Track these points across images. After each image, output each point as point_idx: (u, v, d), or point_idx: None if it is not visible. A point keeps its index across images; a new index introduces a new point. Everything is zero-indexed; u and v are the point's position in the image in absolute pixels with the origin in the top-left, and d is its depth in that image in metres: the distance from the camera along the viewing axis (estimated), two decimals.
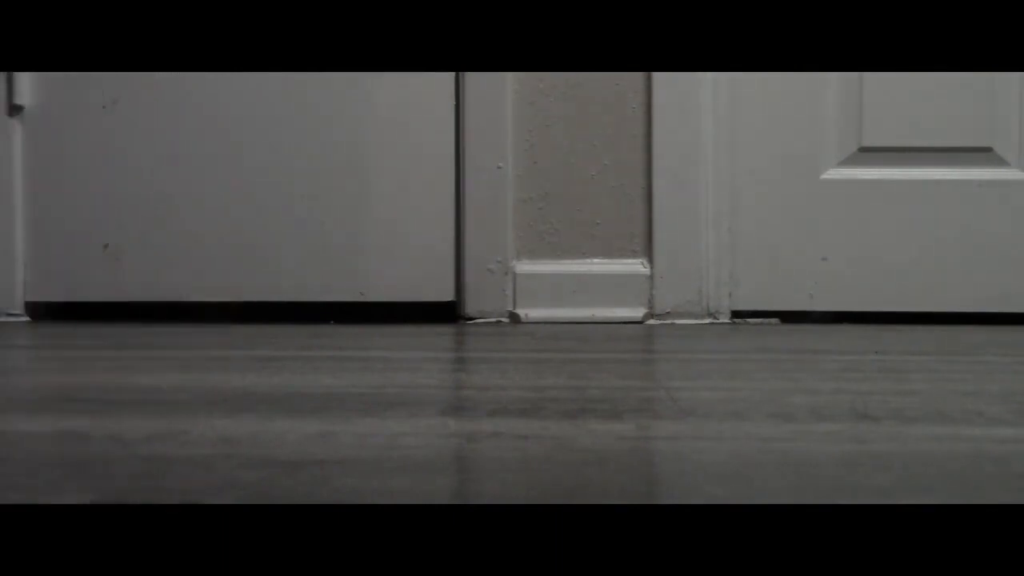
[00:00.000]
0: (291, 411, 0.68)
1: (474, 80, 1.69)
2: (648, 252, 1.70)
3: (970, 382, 0.87)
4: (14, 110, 1.74)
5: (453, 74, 1.69)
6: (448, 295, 1.71)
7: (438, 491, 0.46)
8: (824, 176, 1.73)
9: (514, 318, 1.69)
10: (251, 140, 1.72)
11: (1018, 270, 1.71)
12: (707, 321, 1.70)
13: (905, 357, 1.10)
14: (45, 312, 1.77)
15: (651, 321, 1.69)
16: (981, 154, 1.71)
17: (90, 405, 0.72)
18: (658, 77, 1.68)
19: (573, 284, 1.70)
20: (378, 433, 0.59)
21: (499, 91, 1.69)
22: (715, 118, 1.70)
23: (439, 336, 1.41)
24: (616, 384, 0.85)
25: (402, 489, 0.45)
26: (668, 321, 1.69)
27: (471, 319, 1.70)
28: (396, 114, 1.71)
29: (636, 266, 1.70)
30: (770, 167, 1.72)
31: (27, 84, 1.74)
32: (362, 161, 1.71)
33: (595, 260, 1.71)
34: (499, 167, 1.70)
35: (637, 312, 1.69)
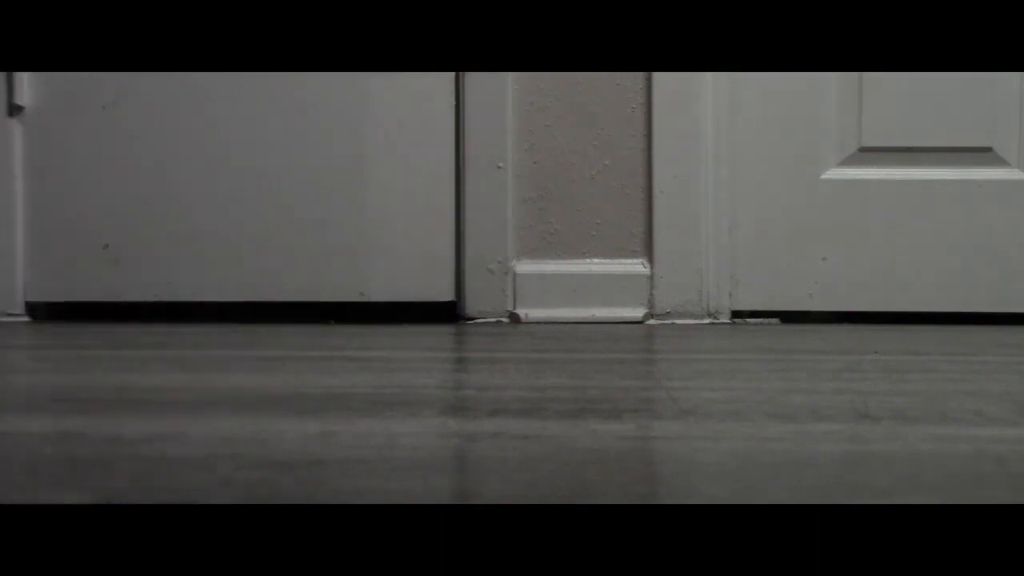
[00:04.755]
0: (291, 411, 0.68)
1: (474, 80, 1.69)
2: (648, 252, 1.70)
3: (970, 382, 0.87)
4: (14, 110, 1.74)
5: (453, 74, 1.69)
6: (448, 295, 1.71)
7: (438, 491, 0.46)
8: (824, 176, 1.73)
9: (514, 318, 1.69)
10: (251, 140, 1.72)
11: (1018, 270, 1.71)
12: (707, 321, 1.70)
13: (905, 357, 1.10)
14: (45, 312, 1.77)
15: (651, 321, 1.69)
16: (981, 154, 1.71)
17: (90, 405, 0.72)
18: (658, 77, 1.68)
19: (573, 284, 1.70)
20: (378, 433, 0.59)
21: (499, 91, 1.69)
22: (715, 118, 1.70)
23: (439, 336, 1.41)
24: (616, 384, 0.85)
25: (402, 489, 0.45)
26: (668, 321, 1.69)
27: (471, 319, 1.70)
28: (396, 114, 1.71)
29: (636, 266, 1.70)
30: (770, 167, 1.72)
31: (27, 84, 1.74)
32: (362, 161, 1.71)
33: (595, 260, 1.71)
34: (499, 167, 1.70)
35: (637, 312, 1.69)
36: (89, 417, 0.66)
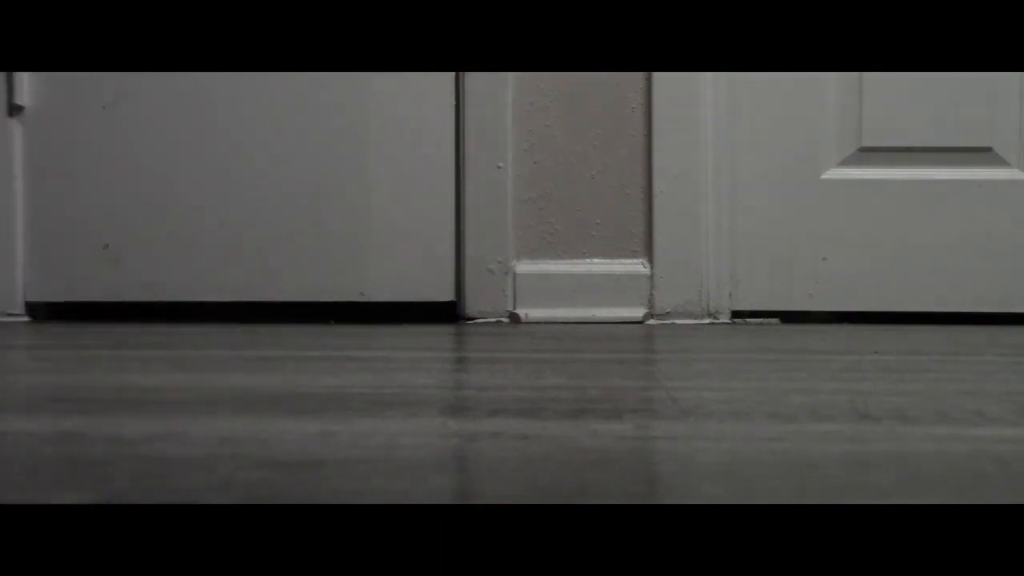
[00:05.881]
0: (291, 411, 0.68)
1: (474, 80, 1.69)
2: (648, 252, 1.70)
3: (970, 382, 0.87)
4: (14, 110, 1.74)
5: (453, 74, 1.69)
6: (448, 295, 1.71)
7: (438, 491, 0.46)
8: (824, 176, 1.73)
9: (514, 318, 1.69)
10: (251, 140, 1.72)
11: (1018, 270, 1.71)
12: (707, 321, 1.70)
13: (905, 357, 1.10)
14: (45, 312, 1.77)
15: (651, 321, 1.69)
16: (981, 154, 1.71)
17: (90, 405, 0.72)
18: (658, 77, 1.68)
19: (573, 284, 1.70)
20: (378, 433, 0.59)
21: (499, 91, 1.69)
22: (715, 118, 1.70)
23: (439, 336, 1.41)
24: (616, 384, 0.85)
25: (402, 489, 0.45)
26: (668, 321, 1.69)
27: (471, 319, 1.70)
28: (396, 114, 1.71)
29: (636, 266, 1.70)
30: (770, 167, 1.72)
31: (27, 84, 1.74)
32: (362, 161, 1.71)
33: (595, 260, 1.71)
34: (499, 167, 1.70)
35: (637, 312, 1.69)
36: (89, 417, 0.66)
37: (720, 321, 1.71)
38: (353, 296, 1.72)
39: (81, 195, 1.74)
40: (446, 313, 1.71)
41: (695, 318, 1.70)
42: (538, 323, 1.67)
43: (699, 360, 1.07)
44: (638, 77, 1.69)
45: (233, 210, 1.72)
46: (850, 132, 1.72)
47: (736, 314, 1.73)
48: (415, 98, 1.70)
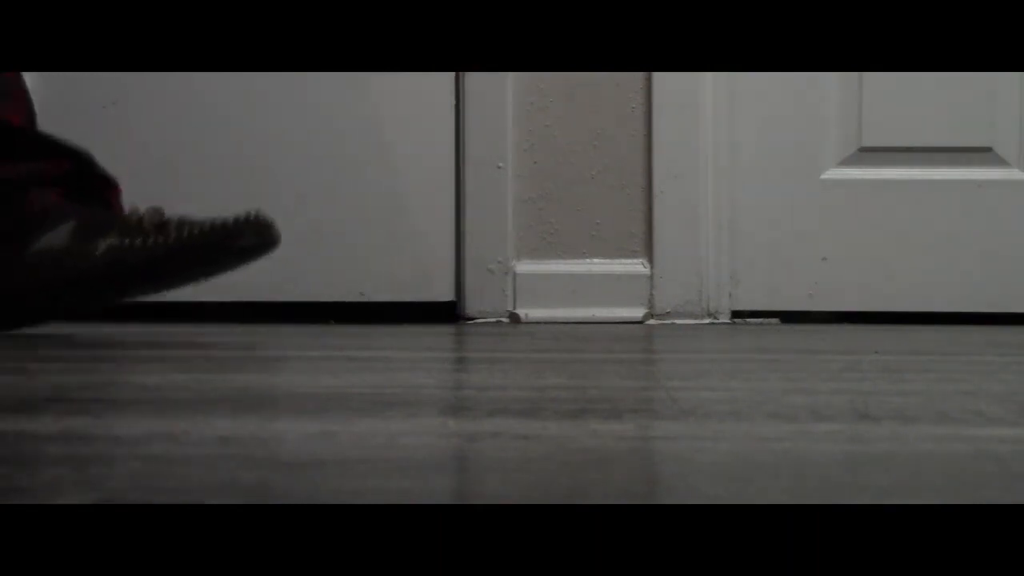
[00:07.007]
0: (291, 411, 0.68)
1: (474, 80, 1.68)
2: (648, 252, 1.70)
3: (970, 382, 0.87)
4: None
5: (453, 74, 1.69)
6: (448, 295, 1.71)
7: (438, 491, 0.46)
8: (824, 176, 1.73)
9: (514, 318, 1.69)
10: (251, 140, 1.72)
11: (1018, 270, 1.71)
12: (707, 321, 1.70)
13: (905, 357, 1.10)
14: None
15: (651, 321, 1.69)
16: (981, 154, 1.71)
17: (90, 405, 0.72)
18: (658, 77, 1.68)
19: (573, 284, 1.70)
20: (378, 433, 0.59)
21: (499, 91, 1.69)
22: (715, 118, 1.70)
23: (439, 336, 1.41)
24: (616, 384, 0.85)
25: (402, 489, 0.45)
26: (668, 321, 1.69)
27: (471, 319, 1.70)
28: (396, 114, 1.70)
29: (636, 266, 1.70)
30: (770, 167, 1.72)
31: (27, 84, 1.73)
32: (362, 161, 1.71)
33: (595, 260, 1.71)
34: (499, 167, 1.70)
35: (637, 312, 1.69)
36: (89, 417, 0.66)
37: (720, 321, 1.71)
38: (353, 296, 1.72)
39: None
40: (446, 313, 1.71)
41: (695, 318, 1.70)
42: (538, 323, 1.67)
43: (699, 360, 1.07)
44: (638, 77, 1.69)
45: (233, 210, 1.72)
46: (850, 132, 1.72)
47: (736, 314, 1.73)
48: (415, 98, 1.70)
